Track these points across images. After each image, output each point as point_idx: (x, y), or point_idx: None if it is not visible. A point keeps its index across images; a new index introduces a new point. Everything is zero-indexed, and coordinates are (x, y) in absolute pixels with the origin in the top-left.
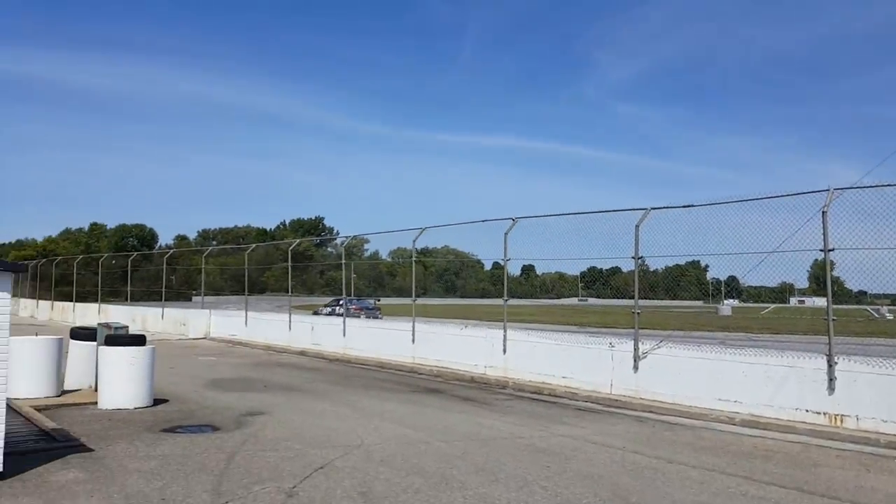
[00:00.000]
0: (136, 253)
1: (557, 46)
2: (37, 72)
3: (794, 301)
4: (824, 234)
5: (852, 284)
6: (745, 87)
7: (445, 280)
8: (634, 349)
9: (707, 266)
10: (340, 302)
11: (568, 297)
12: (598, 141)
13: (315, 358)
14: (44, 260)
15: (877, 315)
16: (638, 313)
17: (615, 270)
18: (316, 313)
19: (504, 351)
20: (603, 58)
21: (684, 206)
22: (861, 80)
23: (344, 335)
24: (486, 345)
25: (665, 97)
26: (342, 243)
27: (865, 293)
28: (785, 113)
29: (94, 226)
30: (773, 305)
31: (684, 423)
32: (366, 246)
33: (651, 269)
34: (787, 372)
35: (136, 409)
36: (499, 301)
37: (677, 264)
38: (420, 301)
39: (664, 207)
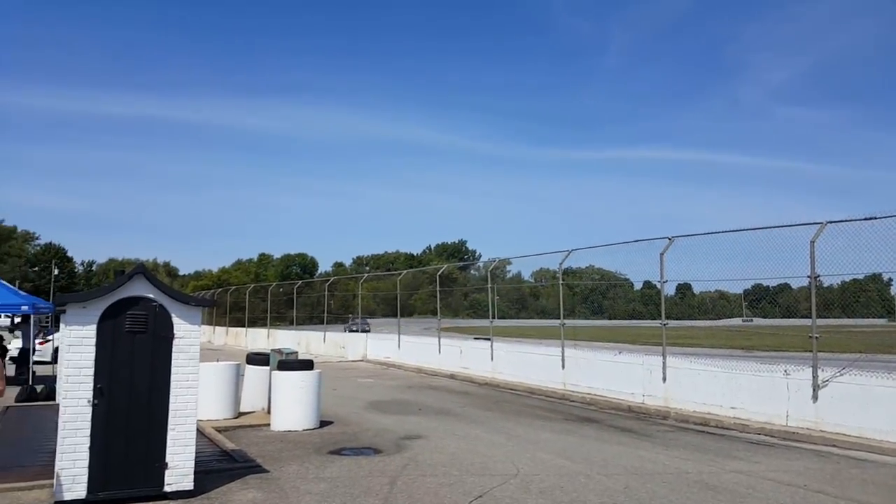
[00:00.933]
0: (300, 281)
1: (706, 52)
2: (211, 118)
3: None
4: None
5: None
6: None
7: (592, 301)
8: (813, 377)
9: (891, 280)
10: (354, 319)
11: (730, 317)
12: (758, 148)
13: (464, 382)
14: (219, 289)
15: None
16: (816, 337)
17: (784, 287)
18: (345, 330)
19: (664, 379)
20: (758, 60)
21: (866, 219)
22: None
23: (492, 359)
24: (643, 372)
25: (832, 97)
26: (484, 265)
27: None
28: None
29: (262, 256)
30: None
31: (875, 459)
32: (508, 267)
33: (825, 286)
34: None
35: (304, 430)
36: (651, 323)
37: (855, 279)
38: (567, 323)
39: (842, 221)
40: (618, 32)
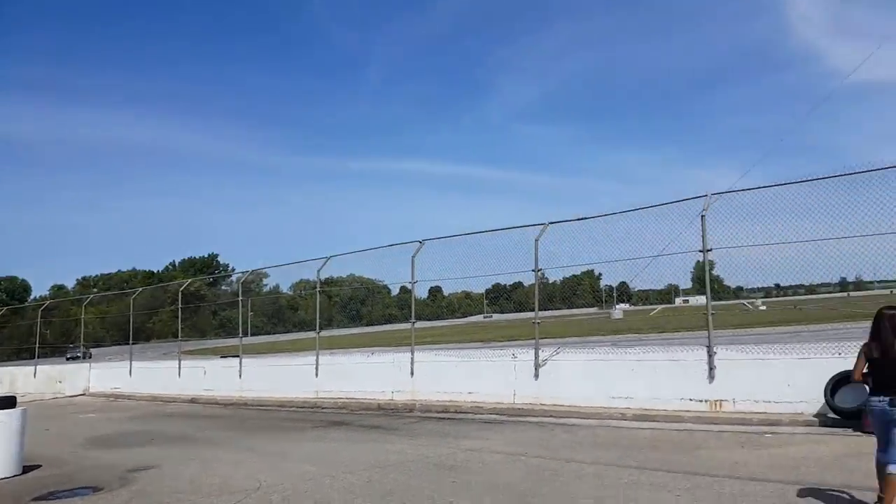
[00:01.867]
0: (4, 308)
1: (460, 72)
2: None
3: (679, 301)
4: (703, 235)
5: (731, 281)
6: (636, 104)
7: (350, 309)
8: (535, 358)
9: (600, 274)
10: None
11: (474, 314)
12: (501, 161)
13: (208, 404)
14: None
15: (750, 308)
16: (538, 323)
17: (517, 285)
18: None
19: (412, 374)
20: (504, 82)
21: (578, 219)
22: (738, 92)
23: (240, 377)
24: (393, 370)
25: (563, 117)
26: (237, 279)
27: (742, 288)
28: (673, 126)
29: None
30: (660, 307)
31: (582, 423)
32: (265, 281)
33: (550, 282)
34: (671, 366)
35: (1, 479)
36: (404, 325)
37: (574, 275)
38: (324, 333)
39: (560, 221)
40: (379, 46)
